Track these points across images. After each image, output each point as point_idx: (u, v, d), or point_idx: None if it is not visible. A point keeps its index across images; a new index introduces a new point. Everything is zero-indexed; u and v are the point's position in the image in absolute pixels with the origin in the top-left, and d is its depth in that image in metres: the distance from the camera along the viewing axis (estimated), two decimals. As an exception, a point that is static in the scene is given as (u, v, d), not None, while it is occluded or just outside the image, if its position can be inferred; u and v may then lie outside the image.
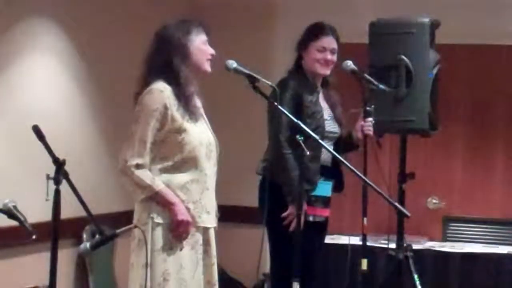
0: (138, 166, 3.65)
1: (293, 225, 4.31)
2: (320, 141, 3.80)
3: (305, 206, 4.41)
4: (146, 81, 3.75)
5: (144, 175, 3.65)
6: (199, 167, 3.74)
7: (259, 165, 4.57)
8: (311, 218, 4.52)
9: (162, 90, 3.69)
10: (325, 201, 4.61)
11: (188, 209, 3.70)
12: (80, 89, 5.57)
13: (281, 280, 4.28)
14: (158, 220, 3.68)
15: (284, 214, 4.37)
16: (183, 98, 3.72)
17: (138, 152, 3.66)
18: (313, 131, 4.26)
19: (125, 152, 3.68)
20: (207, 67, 3.84)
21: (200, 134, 3.76)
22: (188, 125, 3.72)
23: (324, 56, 4.59)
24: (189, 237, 3.70)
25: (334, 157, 4.35)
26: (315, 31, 4.64)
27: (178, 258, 3.68)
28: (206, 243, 3.80)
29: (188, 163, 3.72)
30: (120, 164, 3.69)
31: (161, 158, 3.71)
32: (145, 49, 3.85)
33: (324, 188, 4.57)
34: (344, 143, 4.69)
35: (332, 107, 4.68)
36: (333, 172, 4.60)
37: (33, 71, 5.12)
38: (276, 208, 4.33)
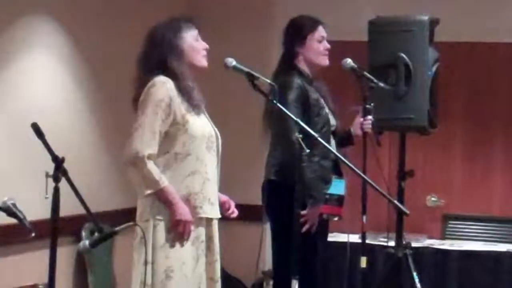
0: (149, 157, 3.64)
1: (307, 227, 4.32)
2: (320, 139, 3.79)
3: (320, 209, 4.41)
4: (143, 82, 3.76)
5: (154, 169, 3.64)
6: (200, 159, 3.74)
7: (269, 169, 4.54)
8: (324, 217, 4.52)
9: (164, 82, 3.71)
10: (339, 200, 4.59)
11: (189, 201, 3.70)
12: (79, 87, 5.57)
13: (285, 279, 4.27)
14: (160, 216, 3.68)
15: (304, 212, 4.27)
16: (185, 92, 3.73)
17: (148, 142, 3.65)
18: (322, 128, 4.29)
19: (135, 143, 3.66)
20: (203, 62, 3.85)
21: (202, 127, 3.78)
22: (190, 117, 3.73)
23: (324, 45, 4.60)
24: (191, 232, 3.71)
25: (333, 154, 4.35)
26: (311, 22, 4.62)
27: (180, 255, 3.69)
28: (209, 239, 3.81)
29: (189, 154, 3.72)
30: (131, 155, 3.65)
31: (164, 150, 3.72)
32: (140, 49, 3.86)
33: (337, 186, 4.56)
34: (341, 139, 4.69)
35: (324, 99, 4.65)
36: (337, 162, 4.59)
37: (32, 69, 5.12)
38: (284, 209, 4.31)
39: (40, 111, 5.02)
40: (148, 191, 3.67)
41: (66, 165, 3.16)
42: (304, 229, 4.27)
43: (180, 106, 3.72)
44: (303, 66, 4.60)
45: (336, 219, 4.64)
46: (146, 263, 3.63)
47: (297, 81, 4.47)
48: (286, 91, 4.36)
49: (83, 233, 5.38)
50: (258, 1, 6.78)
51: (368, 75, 4.59)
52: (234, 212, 3.97)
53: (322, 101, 4.58)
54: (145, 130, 3.66)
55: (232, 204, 3.98)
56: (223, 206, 3.92)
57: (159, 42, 3.80)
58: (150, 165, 3.64)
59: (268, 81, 3.79)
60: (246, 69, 3.72)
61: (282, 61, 4.65)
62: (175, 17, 3.94)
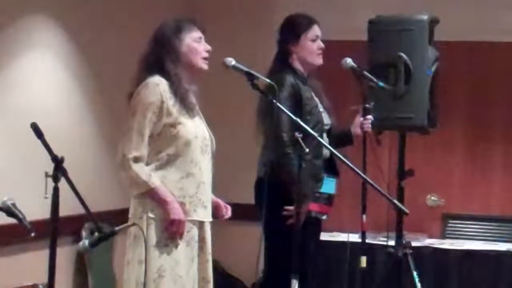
0: (135, 159, 3.66)
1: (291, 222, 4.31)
2: (320, 139, 3.79)
3: (308, 206, 4.40)
4: (139, 80, 3.76)
5: (141, 171, 3.65)
6: (194, 161, 3.74)
7: (261, 168, 4.53)
8: (313, 214, 4.51)
9: (157, 83, 3.71)
10: (328, 199, 4.59)
11: (183, 204, 3.70)
12: (79, 86, 5.57)
13: (278, 278, 4.27)
14: (153, 214, 3.68)
15: (290, 208, 4.24)
16: (178, 94, 3.73)
17: (135, 145, 3.67)
18: (313, 127, 4.28)
19: (123, 146, 3.70)
20: (201, 64, 3.83)
21: (195, 129, 3.77)
22: (183, 119, 3.73)
23: (318, 44, 4.59)
24: (185, 233, 3.70)
25: (332, 154, 4.34)
26: (305, 22, 4.61)
27: (174, 254, 3.68)
28: (201, 239, 3.80)
29: (183, 156, 3.72)
30: (118, 158, 3.71)
31: (156, 152, 3.72)
32: (143, 47, 3.86)
33: (328, 185, 4.56)
34: (340, 139, 4.69)
35: (319, 97, 4.65)
36: (329, 161, 4.59)
37: (32, 68, 5.12)
38: (275, 207, 4.31)
39: (39, 111, 5.01)
40: (138, 192, 3.69)
41: (65, 165, 3.15)
42: (288, 222, 4.26)
43: (172, 108, 3.71)
44: (297, 65, 4.60)
45: (324, 217, 4.63)
46: (141, 262, 3.63)
47: (289, 79, 4.47)
48: (278, 89, 4.35)
49: (83, 233, 5.38)
50: (256, 0, 6.78)
51: (368, 75, 4.58)
52: (227, 213, 3.96)
53: (315, 100, 4.58)
54: (133, 133, 3.68)
55: (222, 205, 3.96)
56: (218, 209, 3.91)
57: (158, 42, 3.80)
58: (135, 167, 3.65)
59: (268, 80, 3.79)
60: (245, 69, 3.72)
61: (276, 59, 4.65)
62: (179, 17, 3.93)
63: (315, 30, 4.61)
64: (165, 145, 3.71)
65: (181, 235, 3.68)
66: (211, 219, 3.86)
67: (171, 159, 3.72)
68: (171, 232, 3.66)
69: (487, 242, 6.26)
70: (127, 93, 3.79)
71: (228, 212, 3.96)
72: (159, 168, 3.71)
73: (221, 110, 6.04)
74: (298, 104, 4.43)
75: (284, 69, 4.55)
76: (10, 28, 4.92)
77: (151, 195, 3.67)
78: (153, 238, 3.67)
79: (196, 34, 3.84)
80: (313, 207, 4.48)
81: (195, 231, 3.76)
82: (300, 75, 4.58)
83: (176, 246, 3.69)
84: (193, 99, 3.82)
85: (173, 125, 3.71)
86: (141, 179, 3.64)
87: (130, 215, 3.75)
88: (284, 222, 4.27)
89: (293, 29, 4.61)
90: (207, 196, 3.82)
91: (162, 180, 3.68)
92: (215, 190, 3.91)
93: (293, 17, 4.67)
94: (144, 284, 3.61)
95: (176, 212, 3.65)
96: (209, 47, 3.86)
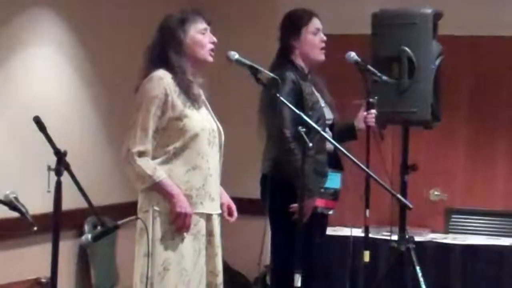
0: (140, 154, 3.65)
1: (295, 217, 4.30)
2: (323, 132, 3.78)
3: (314, 202, 4.39)
4: (144, 73, 3.75)
5: (146, 165, 3.64)
6: (201, 154, 3.73)
7: (264, 164, 4.52)
8: (319, 210, 4.50)
9: (162, 77, 3.69)
10: (334, 193, 4.59)
11: (190, 196, 3.69)
12: (81, 80, 5.57)
13: (284, 273, 4.26)
14: (159, 207, 3.68)
15: (295, 205, 4.23)
16: (182, 86, 3.71)
17: (140, 140, 3.66)
18: (315, 122, 4.26)
19: (128, 140, 3.68)
20: (206, 56, 3.82)
21: (202, 121, 3.76)
22: (189, 111, 3.72)
23: (320, 37, 4.58)
24: (192, 227, 3.70)
25: (336, 148, 4.34)
26: (304, 15, 4.60)
27: (180, 248, 3.68)
28: (209, 233, 3.80)
29: (190, 149, 3.71)
30: (123, 153, 3.70)
31: (163, 145, 3.71)
32: (147, 41, 3.84)
33: (333, 179, 4.55)
34: (344, 133, 4.68)
35: (321, 92, 4.64)
36: (333, 156, 4.58)
37: (35, 62, 5.12)
38: (280, 203, 4.30)
39: (42, 105, 5.01)
40: (144, 186, 3.68)
41: (68, 158, 3.15)
42: (293, 218, 4.25)
43: (177, 100, 3.70)
44: (298, 60, 4.58)
45: (330, 212, 4.63)
46: (146, 255, 3.63)
47: (290, 75, 4.46)
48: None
49: (86, 227, 5.39)
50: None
51: (372, 69, 4.57)
52: (232, 216, 3.96)
53: (317, 95, 4.57)
54: (137, 127, 3.67)
55: (233, 208, 3.97)
56: (222, 208, 3.91)
57: (163, 33, 3.79)
58: (140, 161, 3.64)
59: (271, 74, 3.78)
60: (249, 63, 3.70)
61: (277, 55, 4.64)
62: (185, 9, 3.92)
63: (315, 23, 4.60)
64: (172, 139, 3.71)
65: (187, 228, 3.68)
66: (219, 211, 3.86)
67: (178, 152, 3.71)
68: (177, 225, 3.66)
69: (490, 237, 6.26)
70: (134, 88, 3.78)
71: (232, 217, 3.96)
72: (166, 161, 3.70)
73: (226, 104, 6.03)
74: (299, 100, 4.42)
75: (285, 65, 4.54)
76: (13, 22, 4.92)
77: (157, 189, 3.67)
78: (159, 231, 3.67)
79: (201, 25, 3.83)
80: (319, 202, 4.48)
81: (202, 224, 3.76)
82: (301, 70, 4.57)
83: (182, 239, 3.68)
84: (197, 90, 3.80)
85: (179, 118, 3.70)
86: (146, 173, 3.64)
87: (138, 209, 3.76)
88: (289, 218, 4.26)
89: (293, 23, 4.60)
90: (215, 188, 3.81)
91: (169, 174, 3.67)
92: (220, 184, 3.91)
93: (292, 12, 4.67)
94: (147, 277, 3.61)
95: (182, 205, 3.65)
96: (214, 39, 3.85)
